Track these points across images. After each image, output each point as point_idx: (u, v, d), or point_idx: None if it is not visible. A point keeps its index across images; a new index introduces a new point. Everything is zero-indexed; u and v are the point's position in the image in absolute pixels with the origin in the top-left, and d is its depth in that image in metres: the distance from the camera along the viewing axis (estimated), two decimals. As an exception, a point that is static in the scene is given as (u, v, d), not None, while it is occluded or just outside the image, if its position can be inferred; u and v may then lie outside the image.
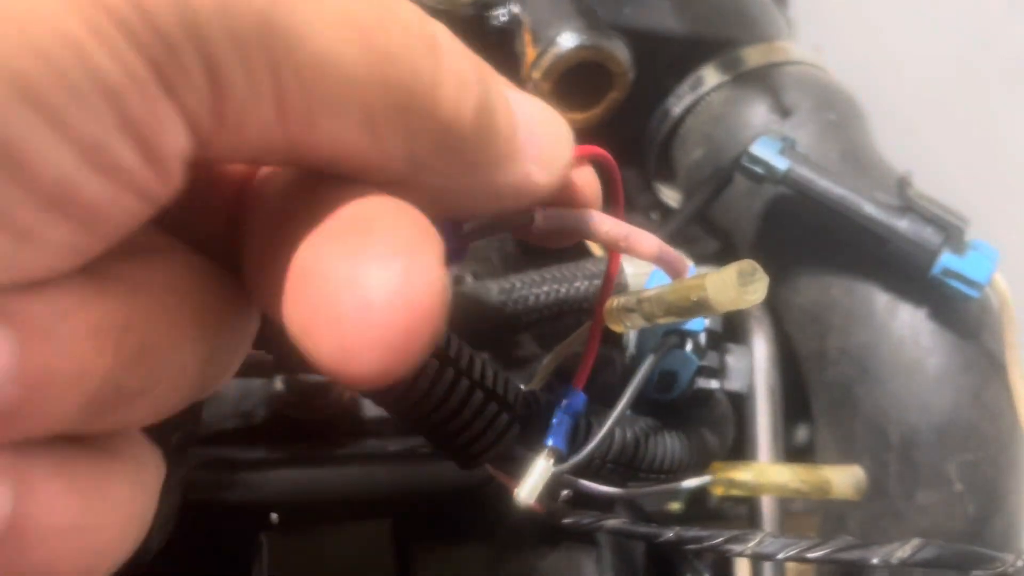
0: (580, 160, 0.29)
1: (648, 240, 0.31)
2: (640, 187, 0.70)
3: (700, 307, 0.30)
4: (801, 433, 0.61)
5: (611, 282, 0.35)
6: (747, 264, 0.28)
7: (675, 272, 0.33)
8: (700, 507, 0.60)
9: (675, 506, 0.65)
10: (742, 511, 0.53)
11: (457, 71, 0.19)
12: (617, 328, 0.33)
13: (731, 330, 0.51)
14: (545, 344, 0.51)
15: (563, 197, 0.26)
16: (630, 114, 0.59)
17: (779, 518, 0.49)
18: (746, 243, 0.52)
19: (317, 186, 0.18)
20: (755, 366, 0.49)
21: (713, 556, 0.61)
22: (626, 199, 0.70)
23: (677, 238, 0.56)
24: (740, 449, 0.50)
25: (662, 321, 0.31)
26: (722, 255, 0.58)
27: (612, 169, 0.31)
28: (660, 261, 0.32)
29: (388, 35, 0.17)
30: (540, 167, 0.22)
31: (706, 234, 0.60)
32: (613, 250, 0.33)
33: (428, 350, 0.16)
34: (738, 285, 0.28)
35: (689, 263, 0.36)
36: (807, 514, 0.54)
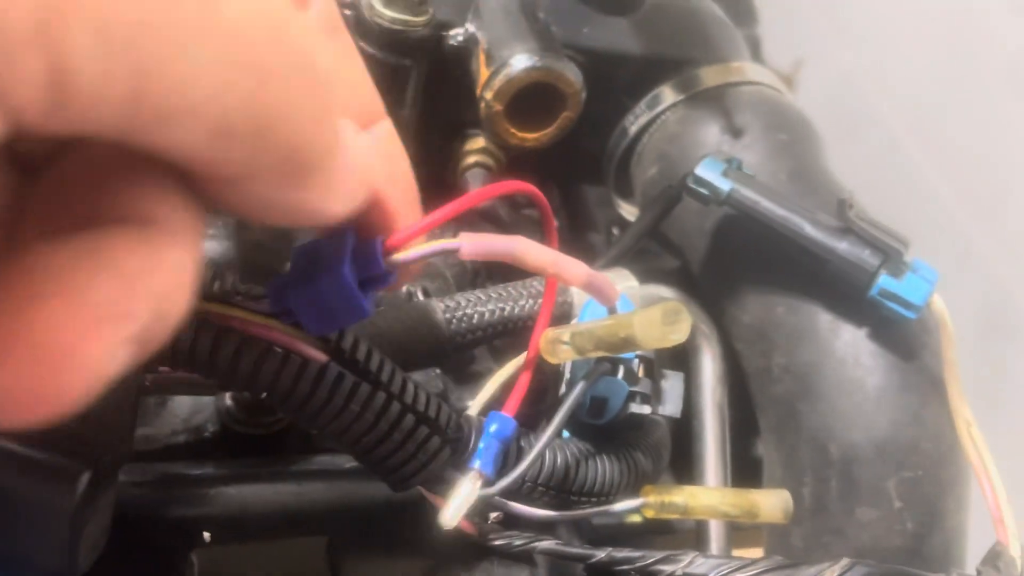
0: (500, 192, 0.30)
1: (576, 267, 0.32)
2: (602, 203, 0.70)
3: (627, 344, 0.31)
4: (761, 446, 0.62)
5: (548, 313, 0.36)
6: (672, 305, 0.30)
7: (605, 299, 0.34)
8: (655, 520, 0.61)
9: (635, 517, 0.66)
10: (692, 524, 0.54)
11: (323, 108, 0.19)
12: (551, 359, 0.34)
13: (679, 348, 0.51)
14: (500, 359, 0.52)
15: (372, 217, 0.26)
16: (591, 131, 0.60)
17: (727, 533, 0.50)
18: (697, 261, 0.52)
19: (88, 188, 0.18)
20: (703, 383, 0.50)
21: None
22: (587, 215, 0.71)
23: (634, 254, 0.57)
24: (688, 465, 0.50)
25: (593, 354, 0.32)
26: (682, 272, 0.59)
27: (540, 201, 0.32)
28: (589, 288, 0.33)
29: (274, 76, 0.17)
30: (341, 200, 0.23)
31: (669, 255, 0.61)
32: (541, 276, 0.33)
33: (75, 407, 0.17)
34: (662, 325, 0.29)
35: (620, 281, 0.36)
36: (756, 529, 0.55)
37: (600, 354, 0.32)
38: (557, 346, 0.34)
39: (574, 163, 0.64)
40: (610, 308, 0.34)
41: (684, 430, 0.51)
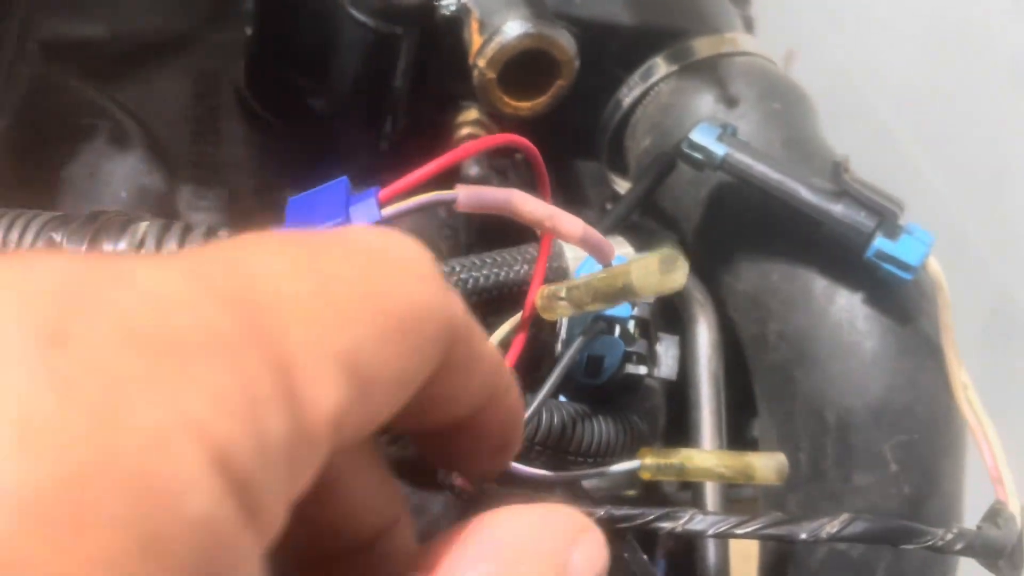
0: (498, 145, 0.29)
1: (572, 222, 0.32)
2: (596, 181, 0.70)
3: (625, 293, 0.31)
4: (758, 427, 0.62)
5: (542, 270, 0.35)
6: (668, 251, 0.29)
7: (601, 255, 0.34)
8: (654, 493, 0.61)
9: (631, 492, 0.66)
10: (688, 496, 0.53)
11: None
12: (549, 316, 0.34)
13: (674, 318, 0.51)
14: (493, 326, 0.52)
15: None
16: (584, 105, 0.60)
17: (723, 503, 0.50)
18: (691, 231, 0.52)
19: None
20: (699, 352, 0.50)
21: (674, 544, 0.62)
22: (581, 193, 0.71)
23: (629, 230, 0.57)
24: (684, 434, 0.50)
25: (590, 308, 0.32)
26: (679, 246, 0.59)
27: (533, 155, 0.32)
28: (585, 244, 0.33)
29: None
30: None
31: (664, 227, 0.61)
32: (538, 230, 0.33)
33: None
34: (659, 272, 0.29)
35: (615, 248, 0.36)
36: (752, 500, 0.55)
37: (597, 306, 0.32)
38: (553, 301, 0.33)
39: (568, 139, 0.63)
40: (606, 266, 0.34)
41: (680, 400, 0.51)
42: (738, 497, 0.56)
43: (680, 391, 0.51)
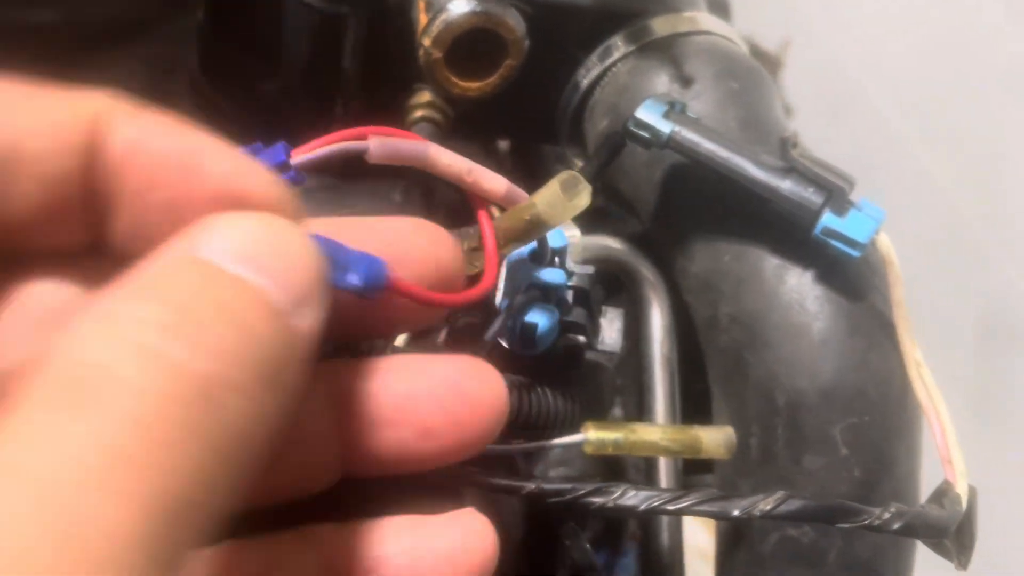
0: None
1: (495, 179, 0.31)
2: (563, 164, 0.69)
3: (535, 225, 0.31)
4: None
5: (491, 234, 0.34)
6: (568, 175, 0.31)
7: None
8: (619, 478, 0.60)
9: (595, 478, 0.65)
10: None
11: None
12: (468, 270, 0.33)
13: (627, 300, 0.50)
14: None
15: None
16: (545, 89, 0.59)
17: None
18: (647, 213, 0.51)
19: None
20: (651, 336, 0.49)
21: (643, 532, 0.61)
22: (545, 177, 0.70)
23: (596, 219, 0.56)
24: (638, 418, 0.50)
25: (506, 251, 0.32)
26: (644, 237, 0.58)
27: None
28: (509, 202, 0.32)
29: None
30: None
31: (622, 210, 0.60)
32: (459, 185, 0.32)
33: None
34: (563, 196, 0.30)
35: (564, 231, 0.36)
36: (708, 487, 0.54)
37: (512, 247, 0.32)
38: (471, 255, 0.33)
39: (529, 124, 0.62)
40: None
41: (635, 385, 0.50)
42: (696, 484, 0.55)
43: (636, 375, 0.50)
